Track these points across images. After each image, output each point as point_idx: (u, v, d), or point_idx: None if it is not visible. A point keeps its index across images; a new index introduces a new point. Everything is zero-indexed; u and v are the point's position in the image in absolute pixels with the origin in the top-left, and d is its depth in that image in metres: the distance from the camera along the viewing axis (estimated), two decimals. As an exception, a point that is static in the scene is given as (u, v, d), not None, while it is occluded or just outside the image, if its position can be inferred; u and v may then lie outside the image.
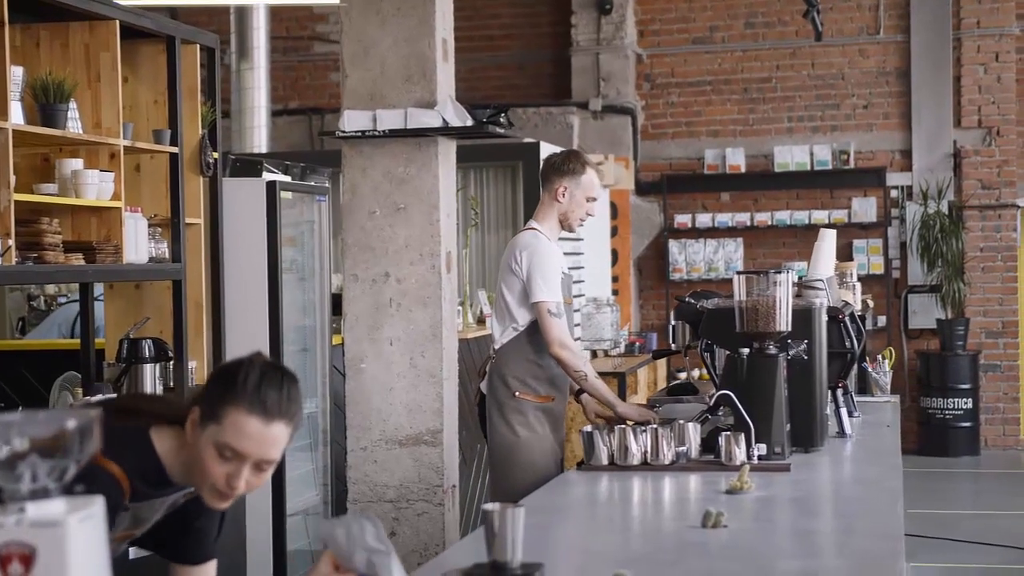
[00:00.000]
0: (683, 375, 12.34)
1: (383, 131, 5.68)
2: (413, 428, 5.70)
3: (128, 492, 2.57)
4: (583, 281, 10.51)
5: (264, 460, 2.54)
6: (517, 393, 5.14)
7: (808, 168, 12.61)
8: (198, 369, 5.79)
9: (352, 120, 5.73)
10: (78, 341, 5.69)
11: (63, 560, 1.70)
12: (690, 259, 12.85)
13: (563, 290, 5.22)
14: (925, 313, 12.46)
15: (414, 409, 5.70)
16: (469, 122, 5.74)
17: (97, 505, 1.78)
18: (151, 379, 5.37)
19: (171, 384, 5.54)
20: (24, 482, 1.73)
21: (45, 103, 4.74)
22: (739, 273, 4.42)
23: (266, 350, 6.21)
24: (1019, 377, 12.57)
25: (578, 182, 5.23)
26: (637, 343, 11.02)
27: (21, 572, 1.69)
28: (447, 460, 5.68)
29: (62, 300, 8.72)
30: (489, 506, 2.72)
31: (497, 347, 5.24)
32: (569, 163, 5.27)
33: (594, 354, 10.41)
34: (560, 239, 9.32)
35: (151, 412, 2.67)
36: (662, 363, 11.25)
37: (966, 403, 12.12)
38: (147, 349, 5.36)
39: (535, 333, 5.13)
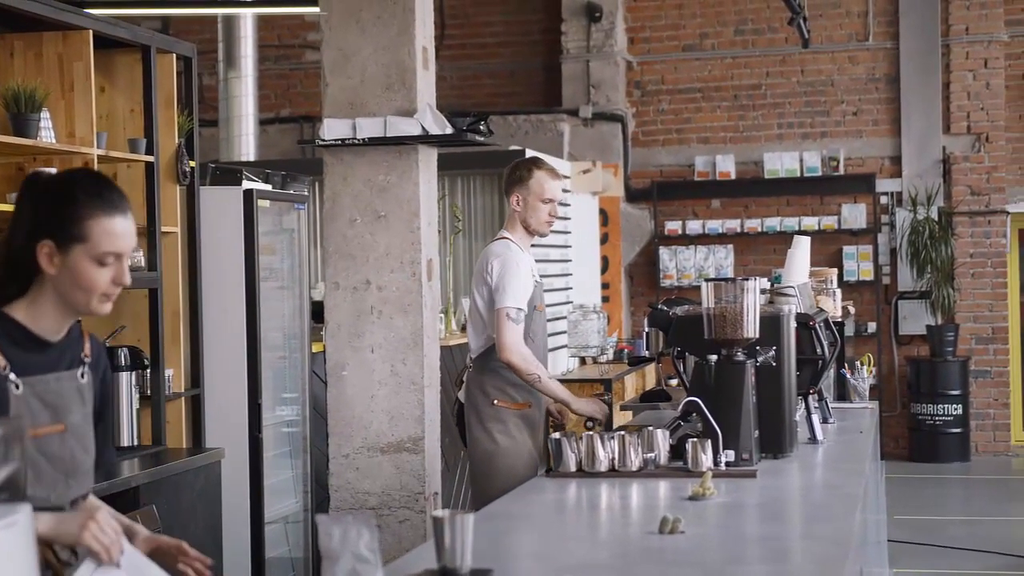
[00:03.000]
0: (674, 382, 12.35)
1: (363, 139, 5.70)
2: (395, 435, 5.72)
3: (2, 361, 2.62)
4: (571, 288, 10.53)
5: (133, 250, 2.74)
6: (496, 401, 5.22)
7: (798, 175, 12.63)
8: (175, 377, 5.81)
9: (332, 128, 5.76)
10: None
11: (-16, 567, 1.72)
12: (681, 266, 12.86)
13: (536, 297, 5.26)
14: (915, 319, 12.48)
15: (396, 416, 5.71)
16: (448, 130, 5.76)
17: (23, 514, 1.80)
18: (127, 387, 5.38)
19: (148, 392, 5.56)
20: (-53, 490, 1.75)
21: (17, 112, 4.76)
22: (707, 280, 4.44)
23: (245, 357, 6.25)
24: (1009, 383, 12.58)
25: (528, 187, 5.34)
26: (626, 350, 11.03)
27: (-58, 579, 1.71)
28: (429, 467, 5.69)
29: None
30: (438, 513, 2.74)
31: (474, 356, 5.32)
32: (516, 171, 5.40)
33: (582, 361, 10.42)
34: (546, 246, 9.36)
35: None
36: (651, 370, 11.26)
37: (956, 409, 12.13)
38: (123, 357, 5.38)
39: None
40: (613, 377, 9.46)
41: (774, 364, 4.49)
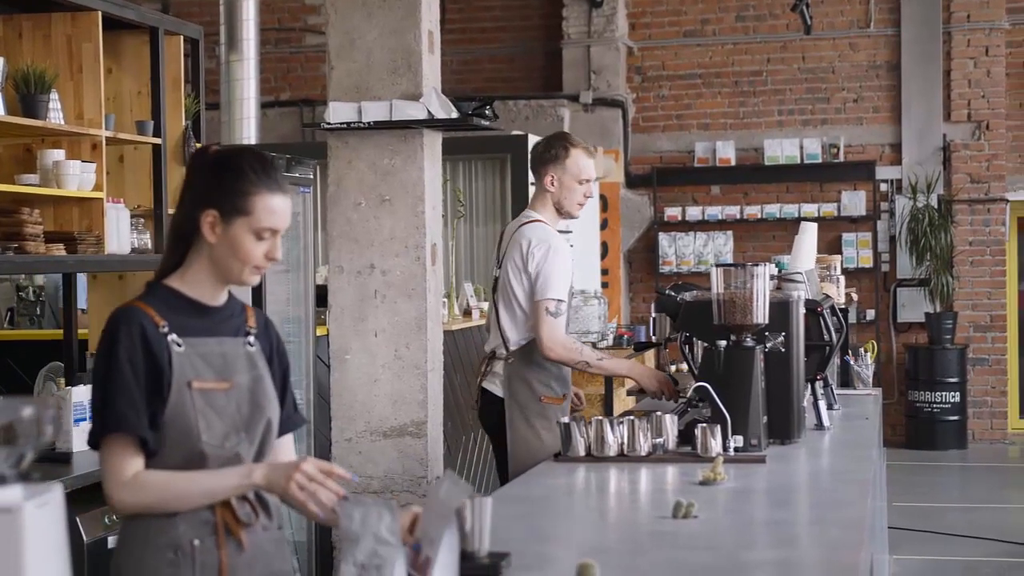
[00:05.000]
0: (673, 368, 12.36)
1: (368, 123, 5.69)
2: (398, 420, 5.72)
3: (158, 319, 2.79)
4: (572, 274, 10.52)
5: (286, 229, 2.86)
6: (542, 398, 5.05)
7: (798, 161, 12.64)
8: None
9: (338, 112, 5.75)
10: (61, 332, 5.69)
11: (19, 546, 1.72)
12: (680, 252, 12.87)
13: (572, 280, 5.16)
14: (914, 307, 12.49)
15: (399, 401, 5.72)
16: (454, 114, 5.75)
17: (54, 493, 1.80)
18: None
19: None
20: (-21, 469, 1.75)
21: (26, 93, 4.75)
22: (717, 266, 4.43)
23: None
24: (1007, 371, 12.60)
25: (564, 167, 5.12)
26: (626, 336, 11.04)
27: (-24, 558, 1.71)
28: (431, 452, 5.69)
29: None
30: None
31: (513, 347, 5.10)
32: (551, 149, 5.16)
33: (582, 346, 10.42)
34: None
35: (159, 274, 2.91)
36: (651, 355, 11.28)
37: (954, 397, 12.16)
38: (129, 340, 5.36)
39: None
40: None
41: (783, 350, 4.49)
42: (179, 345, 2.79)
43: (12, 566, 1.72)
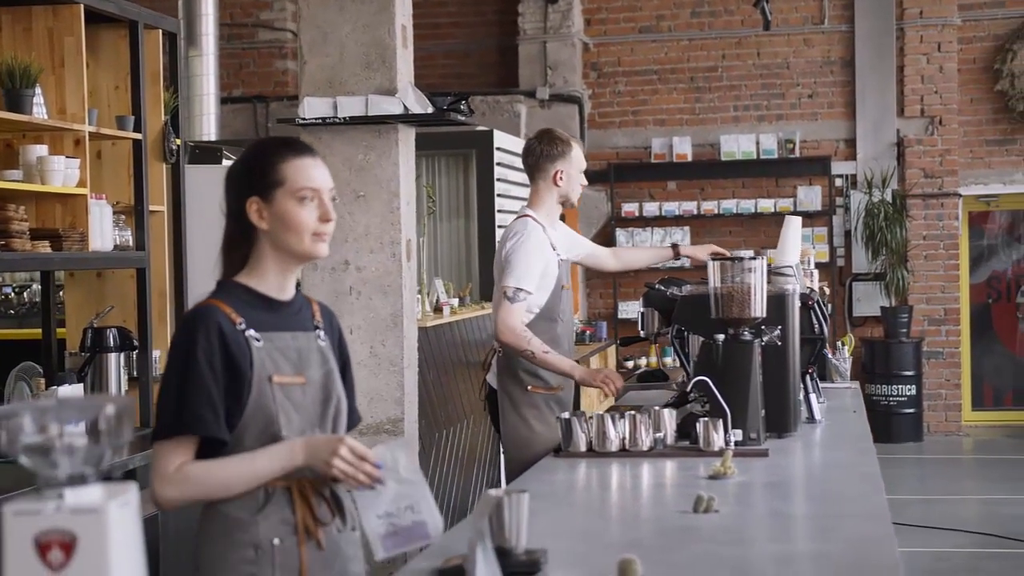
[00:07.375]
0: (630, 364, 12.39)
1: (344, 118, 5.65)
2: (374, 417, 5.70)
3: (235, 316, 2.77)
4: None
5: (331, 189, 2.85)
6: (530, 387, 5.10)
7: (754, 157, 12.68)
8: (162, 358, 5.72)
9: (312, 107, 5.70)
10: (39, 331, 5.60)
11: (103, 546, 1.68)
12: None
13: (563, 276, 5.17)
14: (869, 301, 12.60)
15: (375, 398, 5.70)
16: (430, 109, 5.73)
17: (132, 492, 1.76)
18: (115, 368, 5.30)
19: (135, 374, 5.47)
20: (62, 468, 1.71)
21: (11, 88, 4.66)
22: (714, 259, 4.43)
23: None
24: (961, 364, 12.74)
25: (570, 160, 5.25)
26: (587, 332, 11.06)
27: (62, 559, 1.67)
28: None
29: (6, 290, 8.61)
30: (494, 492, 2.71)
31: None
32: (557, 146, 5.24)
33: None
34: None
35: (224, 274, 2.90)
36: (612, 351, 11.30)
37: (909, 390, 12.27)
38: (111, 338, 5.29)
39: (541, 324, 5.06)
40: (577, 359, 9.44)
41: (779, 343, 4.49)
42: (258, 340, 2.78)
43: (98, 564, 1.68)
